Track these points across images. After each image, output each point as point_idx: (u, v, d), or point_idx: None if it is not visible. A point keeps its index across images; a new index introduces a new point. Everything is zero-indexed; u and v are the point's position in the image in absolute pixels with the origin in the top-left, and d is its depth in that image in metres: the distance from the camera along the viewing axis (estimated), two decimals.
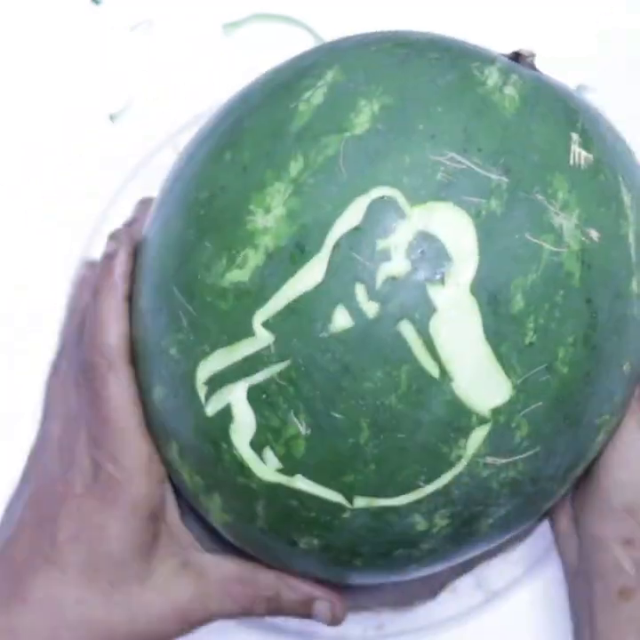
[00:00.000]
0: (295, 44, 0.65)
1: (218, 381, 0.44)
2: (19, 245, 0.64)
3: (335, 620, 0.50)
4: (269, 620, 0.58)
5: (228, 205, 0.44)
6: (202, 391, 0.44)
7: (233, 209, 0.43)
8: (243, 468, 0.44)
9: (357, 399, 0.42)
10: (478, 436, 0.42)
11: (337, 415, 0.42)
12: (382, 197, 0.42)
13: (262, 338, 0.43)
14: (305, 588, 0.50)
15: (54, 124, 0.65)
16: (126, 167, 0.64)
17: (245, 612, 0.49)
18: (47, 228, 0.63)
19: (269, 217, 0.43)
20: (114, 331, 0.48)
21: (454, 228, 0.42)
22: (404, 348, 0.42)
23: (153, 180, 0.54)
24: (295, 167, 0.43)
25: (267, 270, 0.42)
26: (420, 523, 0.44)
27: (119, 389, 0.47)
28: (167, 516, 0.49)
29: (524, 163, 0.43)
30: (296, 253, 0.42)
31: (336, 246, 0.42)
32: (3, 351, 0.62)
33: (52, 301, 0.62)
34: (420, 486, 0.43)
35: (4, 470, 0.57)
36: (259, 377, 0.43)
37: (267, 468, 0.44)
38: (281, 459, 0.43)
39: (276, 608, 0.50)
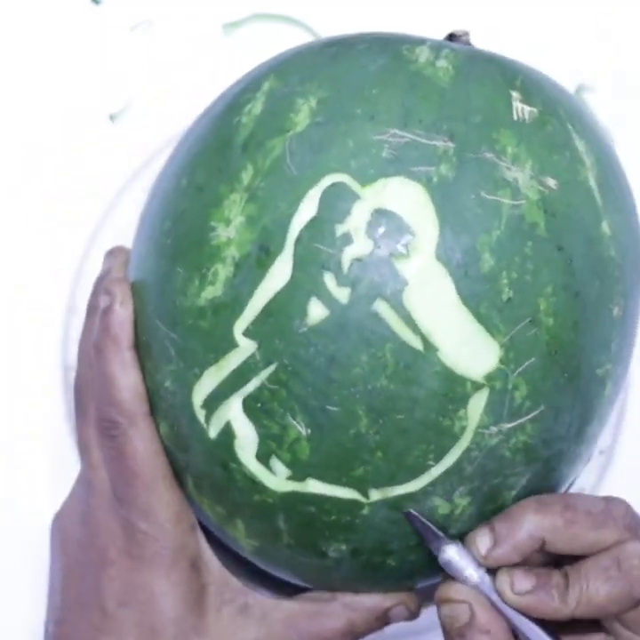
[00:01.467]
0: (295, 44, 0.66)
1: (213, 402, 0.44)
2: (19, 245, 0.64)
3: (413, 616, 0.49)
4: None
5: (191, 227, 0.44)
6: (201, 416, 0.44)
7: (196, 230, 0.44)
8: (255, 483, 0.44)
9: (349, 387, 0.42)
10: (477, 403, 0.42)
11: (333, 408, 0.42)
12: (333, 184, 0.42)
13: (246, 347, 0.43)
14: (372, 603, 0.48)
15: (54, 124, 0.65)
16: (126, 167, 0.64)
17: None
18: (47, 228, 0.63)
19: (231, 228, 0.43)
20: (125, 385, 0.47)
21: (409, 199, 0.42)
22: (384, 327, 0.42)
23: (152, 181, 0.54)
24: (246, 176, 0.44)
25: (237, 279, 0.43)
26: (441, 505, 0.44)
27: (143, 443, 0.47)
28: (208, 563, 0.48)
29: (467, 125, 0.43)
30: (261, 256, 0.42)
31: (298, 241, 0.42)
32: (3, 351, 0.62)
33: (52, 301, 0.62)
34: (430, 466, 0.43)
35: (3, 468, 0.57)
36: (250, 387, 0.43)
37: (277, 479, 0.44)
38: (289, 465, 0.43)
39: (352, 636, 0.48)
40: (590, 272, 0.44)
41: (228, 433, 0.44)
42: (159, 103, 0.65)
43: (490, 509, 0.44)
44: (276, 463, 0.43)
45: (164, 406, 0.46)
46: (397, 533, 0.44)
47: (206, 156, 0.45)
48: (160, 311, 0.45)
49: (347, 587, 0.48)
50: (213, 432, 0.44)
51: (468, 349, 0.42)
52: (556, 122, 0.45)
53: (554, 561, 0.45)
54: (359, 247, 0.42)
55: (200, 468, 0.45)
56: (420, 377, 0.42)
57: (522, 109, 0.45)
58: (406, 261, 0.42)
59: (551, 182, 0.44)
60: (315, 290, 0.42)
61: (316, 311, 0.42)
